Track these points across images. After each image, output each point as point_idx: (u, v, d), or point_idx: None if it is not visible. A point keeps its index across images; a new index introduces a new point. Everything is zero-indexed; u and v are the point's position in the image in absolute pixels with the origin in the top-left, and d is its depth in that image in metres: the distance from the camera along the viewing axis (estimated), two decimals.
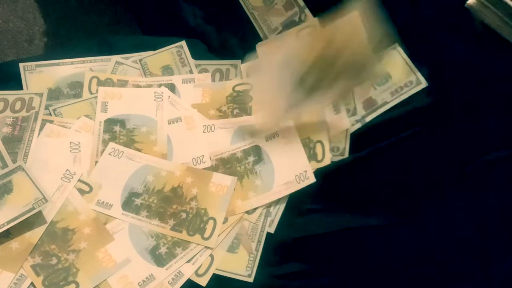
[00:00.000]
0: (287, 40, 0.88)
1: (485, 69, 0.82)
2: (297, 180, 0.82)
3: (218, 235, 0.79)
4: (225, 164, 0.85)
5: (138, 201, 0.81)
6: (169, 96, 0.89)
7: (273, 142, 0.86)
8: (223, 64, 0.95)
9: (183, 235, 0.79)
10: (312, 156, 0.84)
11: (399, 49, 0.87)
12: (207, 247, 0.79)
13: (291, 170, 0.83)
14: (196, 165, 0.84)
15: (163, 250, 0.79)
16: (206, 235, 0.79)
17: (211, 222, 0.80)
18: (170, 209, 0.80)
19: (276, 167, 0.84)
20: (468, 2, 0.79)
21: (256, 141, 0.85)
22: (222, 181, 0.82)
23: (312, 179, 0.82)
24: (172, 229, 0.79)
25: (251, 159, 0.85)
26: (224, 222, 0.81)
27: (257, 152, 0.85)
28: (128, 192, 0.81)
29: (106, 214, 0.80)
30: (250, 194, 0.83)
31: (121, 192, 0.81)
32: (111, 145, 0.84)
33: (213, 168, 0.84)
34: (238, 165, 0.85)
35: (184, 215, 0.80)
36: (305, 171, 0.83)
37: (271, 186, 0.83)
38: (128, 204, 0.81)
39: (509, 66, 0.80)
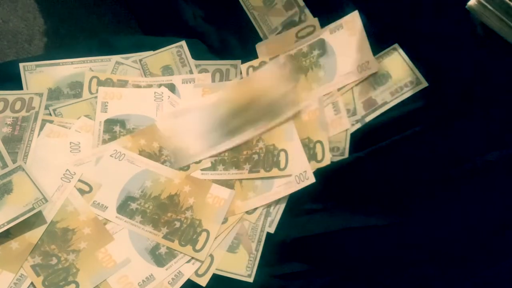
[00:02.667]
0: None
1: (485, 69, 0.82)
2: (297, 180, 0.82)
3: (210, 248, 0.79)
4: (292, 60, 0.88)
5: (133, 205, 0.80)
6: (169, 96, 0.89)
7: (337, 35, 0.88)
8: (223, 64, 0.95)
9: (175, 245, 0.78)
10: (312, 156, 0.84)
11: (399, 49, 0.87)
12: (197, 259, 0.78)
13: (353, 60, 0.87)
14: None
15: (163, 250, 0.78)
16: (198, 247, 0.78)
17: (204, 234, 0.79)
18: (164, 216, 0.80)
19: (339, 58, 0.87)
20: (468, 3, 0.78)
21: (321, 35, 0.90)
22: (220, 193, 0.82)
23: (312, 179, 0.82)
24: (164, 237, 0.79)
25: (315, 52, 0.87)
26: (224, 222, 0.81)
27: (321, 46, 0.88)
28: (125, 196, 0.81)
29: (100, 216, 0.79)
30: (250, 194, 0.83)
31: (117, 195, 0.81)
32: (114, 146, 0.84)
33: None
34: (304, 60, 0.88)
35: (178, 224, 0.80)
36: (305, 171, 0.83)
37: (271, 186, 0.83)
38: (123, 207, 0.80)
39: (509, 67, 0.80)
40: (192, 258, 0.78)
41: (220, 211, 0.81)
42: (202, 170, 0.84)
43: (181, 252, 0.78)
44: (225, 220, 0.81)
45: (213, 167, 0.84)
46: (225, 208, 0.81)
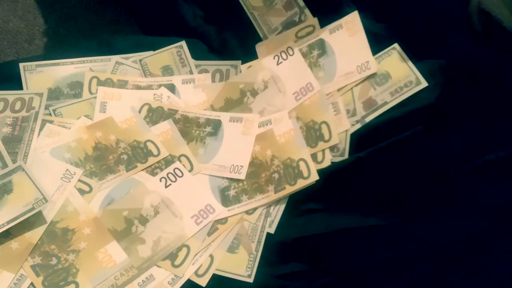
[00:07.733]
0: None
1: (485, 69, 0.82)
2: None
3: (190, 264, 0.77)
4: None
5: None
6: (168, 97, 0.89)
7: (337, 35, 0.88)
8: (223, 64, 0.94)
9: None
10: (312, 157, 0.84)
11: (399, 49, 0.87)
12: (175, 276, 0.77)
13: (352, 60, 0.87)
14: None
15: None
16: (177, 262, 0.77)
17: (184, 250, 0.78)
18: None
19: (338, 58, 0.87)
20: None
21: (320, 35, 0.89)
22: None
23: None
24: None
25: (315, 52, 0.87)
26: (224, 223, 0.81)
27: (321, 46, 0.87)
28: (107, 203, 0.80)
29: None
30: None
31: (101, 202, 0.80)
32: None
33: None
34: (304, 60, 0.88)
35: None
36: None
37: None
38: None
39: (509, 66, 0.80)
40: (204, 247, 0.77)
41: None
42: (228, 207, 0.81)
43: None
44: (225, 221, 0.81)
45: (237, 199, 0.82)
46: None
